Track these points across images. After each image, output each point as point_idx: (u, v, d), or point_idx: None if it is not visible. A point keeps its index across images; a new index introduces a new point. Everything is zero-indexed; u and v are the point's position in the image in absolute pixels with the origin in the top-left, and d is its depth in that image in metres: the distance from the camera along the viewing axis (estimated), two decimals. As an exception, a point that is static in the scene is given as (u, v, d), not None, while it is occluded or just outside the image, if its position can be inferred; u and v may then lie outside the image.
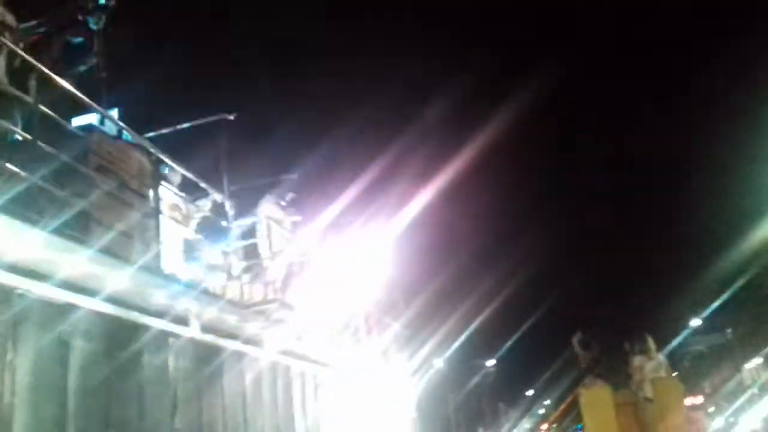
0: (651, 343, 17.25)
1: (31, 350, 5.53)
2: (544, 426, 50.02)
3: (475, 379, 38.16)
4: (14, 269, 5.46)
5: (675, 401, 15.74)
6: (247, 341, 9.06)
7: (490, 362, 41.49)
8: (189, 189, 9.29)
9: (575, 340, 17.78)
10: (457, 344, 29.90)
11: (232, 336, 8.71)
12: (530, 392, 48.05)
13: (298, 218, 11.43)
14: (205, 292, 8.16)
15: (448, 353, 29.96)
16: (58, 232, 5.77)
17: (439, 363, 29.88)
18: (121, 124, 7.34)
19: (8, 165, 5.74)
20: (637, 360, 16.45)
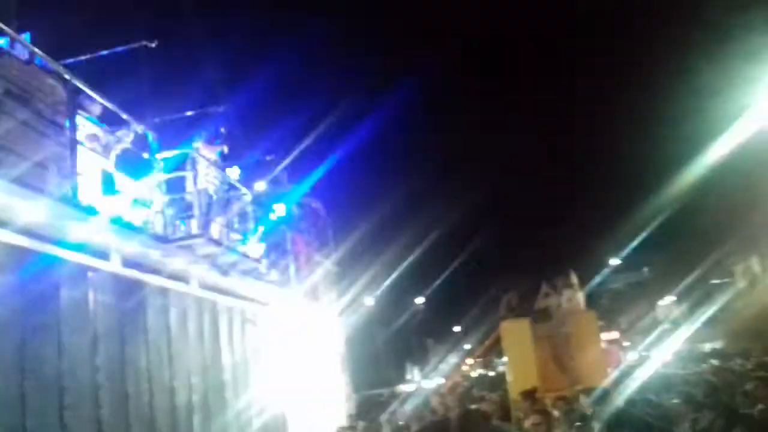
0: (574, 278, 17.91)
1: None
2: (470, 360, 51.72)
3: (404, 317, 38.96)
4: None
5: (592, 335, 16.53)
6: (172, 276, 8.91)
7: (420, 300, 42.38)
8: (111, 120, 8.90)
9: (502, 306, 18.20)
10: (387, 282, 30.33)
11: (155, 271, 8.54)
12: (457, 329, 49.45)
13: (224, 149, 11.16)
14: (126, 225, 7.93)
15: (378, 291, 30.40)
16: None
17: (369, 300, 30.28)
18: (34, 48, 6.91)
19: None
20: (563, 296, 17.08)
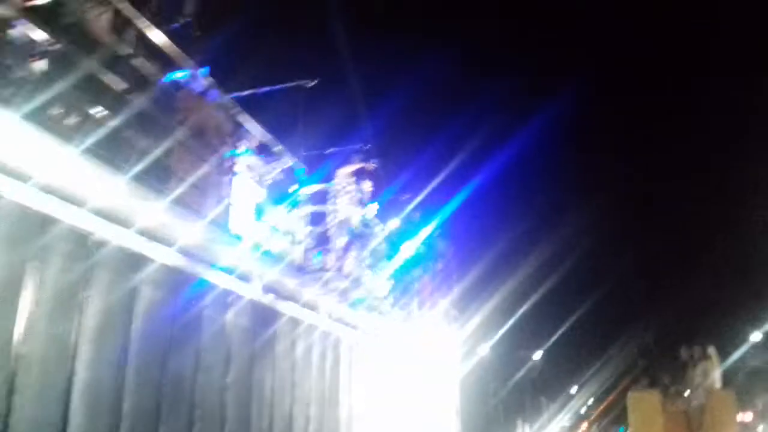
0: (713, 352, 16.78)
1: (102, 293, 5.76)
2: (584, 425, 49.51)
3: (521, 371, 37.91)
4: (97, 213, 5.67)
5: (729, 415, 15.36)
6: (304, 305, 9.24)
7: (537, 354, 41.15)
8: (263, 151, 9.43)
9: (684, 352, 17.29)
10: (504, 331, 29.73)
11: (289, 299, 8.89)
12: (574, 389, 47.54)
13: (368, 188, 11.50)
14: (269, 253, 8.33)
15: (495, 339, 29.84)
16: (139, 179, 5.97)
17: (485, 349, 29.80)
18: (209, 82, 7.48)
19: (99, 110, 5.96)
20: (697, 369, 16.05)
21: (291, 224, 9.41)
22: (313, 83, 10.53)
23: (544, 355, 40.64)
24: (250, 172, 8.97)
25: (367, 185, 11.64)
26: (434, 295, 16.78)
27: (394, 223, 15.41)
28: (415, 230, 16.07)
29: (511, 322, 29.75)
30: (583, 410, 44.82)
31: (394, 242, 14.03)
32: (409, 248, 14.81)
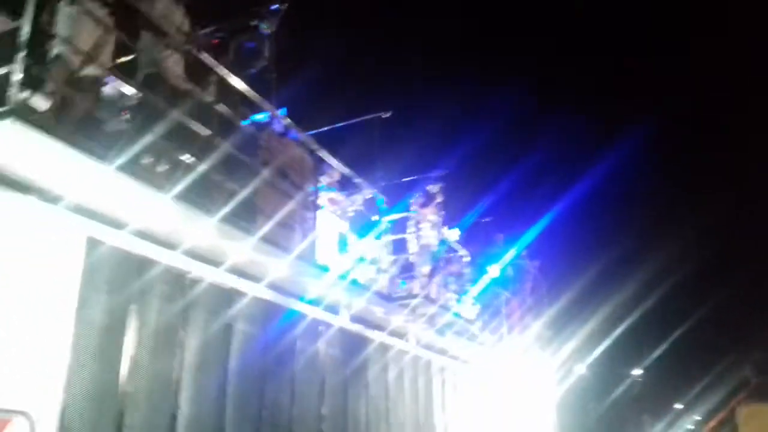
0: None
1: (199, 331, 6.05)
2: (694, 442, 47.31)
3: (620, 388, 36.71)
4: (189, 255, 5.99)
5: None
6: (392, 333, 9.34)
7: (637, 371, 39.75)
8: (344, 184, 9.67)
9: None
10: (601, 349, 28.91)
11: (378, 327, 9.01)
12: (678, 405, 45.57)
13: (440, 212, 11.58)
14: (355, 283, 8.48)
15: (592, 359, 29.05)
16: (228, 220, 6.24)
17: (581, 368, 29.03)
18: (288, 122, 7.77)
19: (187, 156, 6.28)
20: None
21: (375, 254, 9.56)
22: (388, 114, 10.75)
23: (645, 372, 39.23)
24: (333, 205, 9.21)
25: (447, 211, 11.70)
26: (525, 318, 16.55)
27: (477, 247, 15.41)
28: (501, 253, 15.97)
29: (608, 341, 28.93)
30: (690, 426, 42.81)
31: (479, 266, 13.99)
32: (495, 271, 14.71)
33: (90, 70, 5.57)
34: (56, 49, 5.02)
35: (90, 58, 5.36)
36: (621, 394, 36.82)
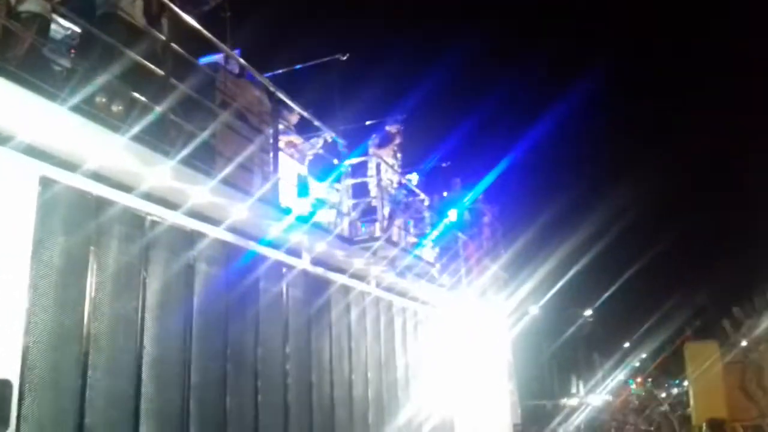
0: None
1: (161, 272, 6.01)
2: (639, 379, 49.30)
3: (571, 329, 37.86)
4: (148, 197, 5.91)
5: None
6: (353, 275, 9.41)
7: (587, 312, 40.99)
8: (304, 127, 9.58)
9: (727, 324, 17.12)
10: (554, 291, 29.70)
11: (339, 270, 9.07)
12: (626, 344, 47.31)
13: (397, 152, 11.60)
14: (317, 226, 8.49)
15: (545, 300, 29.83)
16: (187, 162, 6.15)
17: (535, 309, 29.81)
18: (244, 62, 7.62)
19: (142, 97, 6.13)
20: (760, 320, 15.85)
21: (335, 197, 9.56)
22: (345, 57, 10.63)
23: (595, 312, 40.51)
24: (292, 149, 9.13)
25: (406, 155, 11.72)
26: (483, 261, 16.81)
27: (436, 191, 15.52)
28: (459, 197, 16.13)
29: (560, 283, 29.68)
30: (636, 364, 44.57)
31: (438, 210, 14.11)
32: (453, 215, 14.86)
33: (31, 5, 5.36)
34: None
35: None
36: (573, 334, 37.99)
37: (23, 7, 5.32)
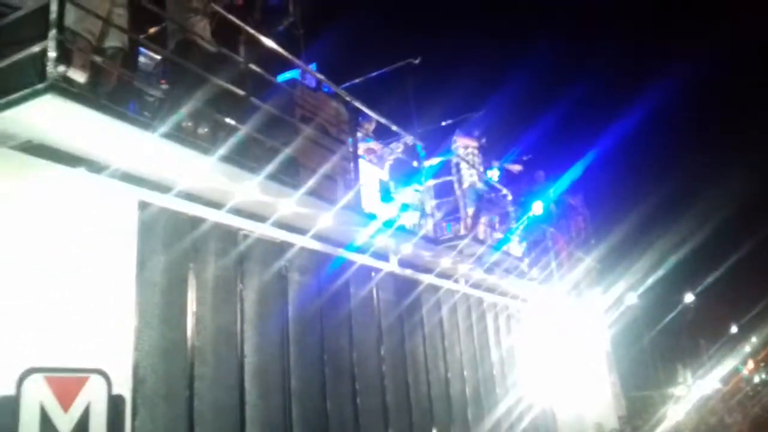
0: None
1: (256, 283, 6.27)
2: (751, 365, 47.01)
3: (673, 315, 36.51)
4: (239, 212, 6.19)
5: None
6: (441, 275, 9.47)
7: (689, 298, 39.42)
8: (382, 133, 9.73)
9: None
10: (653, 279, 28.73)
11: (427, 270, 9.15)
12: (734, 329, 45.22)
13: (483, 142, 11.54)
14: (402, 229, 8.60)
15: (643, 288, 28.90)
16: (272, 177, 6.37)
17: (633, 298, 28.94)
18: (320, 76, 7.82)
19: (227, 119, 6.40)
20: None
21: (418, 199, 9.64)
22: (418, 60, 10.69)
23: (697, 298, 38.89)
24: (372, 155, 9.29)
25: (487, 150, 11.68)
26: (573, 252, 16.49)
27: (520, 185, 15.34)
28: (544, 190, 15.88)
29: (659, 270, 28.71)
30: (747, 349, 42.46)
31: (523, 204, 13.96)
32: (539, 208, 14.66)
33: (113, 41, 5.68)
34: (78, 23, 5.11)
35: (108, 29, 5.46)
36: (674, 321, 36.64)
37: (107, 43, 5.65)
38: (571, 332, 14.25)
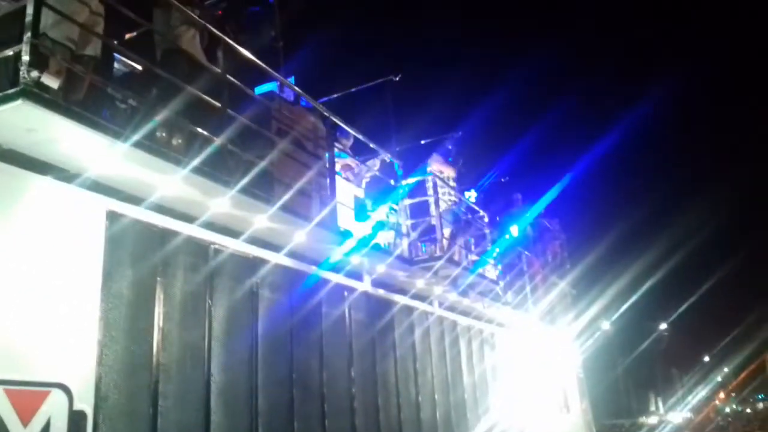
0: None
1: (225, 299, 6.13)
2: (722, 394, 47.30)
3: (646, 343, 36.69)
4: (210, 226, 6.05)
5: None
6: (416, 296, 9.38)
7: (663, 326, 39.68)
8: (359, 149, 9.66)
9: None
10: (626, 306, 28.87)
11: (401, 291, 9.05)
12: (706, 359, 45.53)
13: (459, 167, 11.54)
14: (376, 248, 8.51)
15: (617, 315, 29.03)
16: (246, 191, 6.26)
17: (606, 325, 29.05)
18: (298, 89, 7.75)
19: (201, 130, 6.29)
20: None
21: (394, 218, 9.56)
22: (398, 77, 10.69)
23: (671, 326, 39.15)
24: (348, 171, 9.20)
25: (464, 172, 11.66)
26: (548, 276, 16.50)
27: (496, 207, 15.34)
28: (521, 213, 15.91)
29: (633, 297, 28.88)
30: (718, 378, 42.77)
31: (500, 227, 13.95)
32: (515, 231, 14.67)
33: (90, 49, 5.58)
34: (56, 29, 5.00)
35: (88, 36, 5.36)
36: (648, 349, 36.80)
37: (85, 51, 5.54)
38: (544, 358, 14.20)
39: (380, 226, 9.29)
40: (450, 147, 11.88)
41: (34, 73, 4.42)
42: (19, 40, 4.39)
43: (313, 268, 7.32)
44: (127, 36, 6.55)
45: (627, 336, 32.77)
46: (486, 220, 12.20)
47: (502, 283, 12.77)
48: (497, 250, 12.95)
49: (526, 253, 14.41)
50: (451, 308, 10.42)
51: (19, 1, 4.66)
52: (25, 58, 4.32)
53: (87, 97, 5.48)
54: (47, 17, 4.81)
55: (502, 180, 15.90)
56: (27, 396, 4.35)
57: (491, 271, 12.54)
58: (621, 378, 32.53)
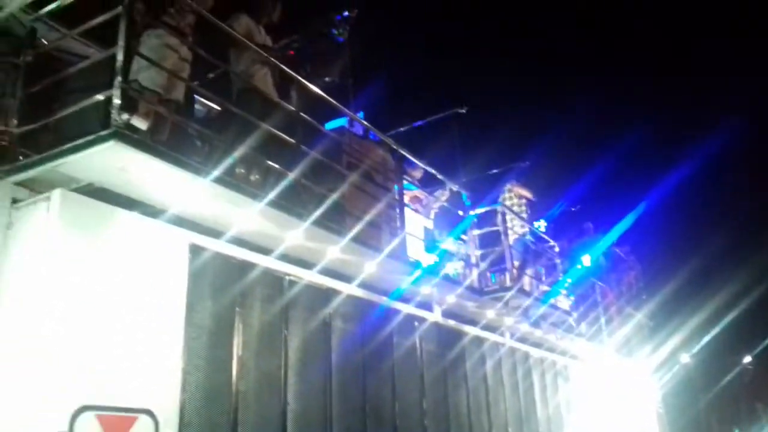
0: None
1: (300, 329, 6.29)
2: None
3: (729, 377, 35.10)
4: (285, 258, 6.25)
5: None
6: (486, 327, 9.35)
7: (747, 359, 37.90)
8: (427, 181, 9.78)
9: None
10: (708, 338, 27.78)
11: (471, 322, 9.04)
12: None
13: (529, 195, 11.51)
14: (446, 278, 8.56)
15: (698, 347, 27.96)
16: (319, 223, 6.45)
17: (686, 358, 28.00)
18: (367, 124, 7.96)
19: (276, 165, 6.53)
20: None
21: (463, 248, 9.60)
22: (464, 110, 10.80)
23: (755, 359, 37.35)
24: (418, 203, 9.33)
25: (535, 201, 11.62)
26: (623, 307, 16.10)
27: (568, 237, 15.14)
28: (593, 242, 15.63)
29: (715, 329, 27.80)
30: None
31: (571, 256, 13.76)
32: (587, 261, 14.42)
33: (176, 93, 5.91)
34: (144, 73, 5.33)
35: (174, 81, 5.68)
36: (731, 383, 35.18)
37: (173, 94, 5.88)
38: (621, 392, 13.82)
39: (448, 256, 9.35)
40: (519, 178, 11.86)
41: (125, 116, 4.73)
42: (110, 86, 4.68)
43: (384, 298, 7.43)
44: (209, 76, 6.89)
45: (709, 369, 31.47)
46: (557, 249, 12.07)
47: (575, 314, 12.57)
48: (569, 280, 12.77)
49: (600, 283, 14.14)
50: (523, 339, 10.32)
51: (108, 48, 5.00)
52: (116, 101, 4.60)
53: (170, 137, 5.79)
54: (137, 62, 5.15)
55: (573, 209, 15.70)
56: (117, 421, 4.55)
57: (564, 301, 12.38)
58: (703, 413, 31.19)
